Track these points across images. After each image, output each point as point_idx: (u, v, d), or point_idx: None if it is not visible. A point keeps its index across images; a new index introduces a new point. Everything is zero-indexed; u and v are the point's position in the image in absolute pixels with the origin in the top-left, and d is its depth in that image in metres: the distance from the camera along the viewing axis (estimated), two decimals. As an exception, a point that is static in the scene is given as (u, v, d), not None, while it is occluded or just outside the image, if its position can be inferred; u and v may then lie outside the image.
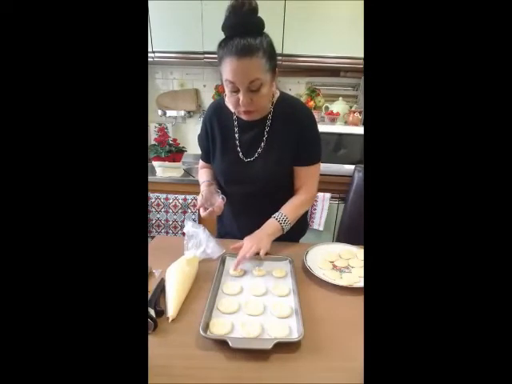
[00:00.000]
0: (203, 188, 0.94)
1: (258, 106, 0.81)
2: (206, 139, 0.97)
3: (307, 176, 0.94)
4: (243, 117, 0.84)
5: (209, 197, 0.88)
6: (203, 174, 1.02)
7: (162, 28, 1.75)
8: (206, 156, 1.00)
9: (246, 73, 0.73)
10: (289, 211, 0.91)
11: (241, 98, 0.76)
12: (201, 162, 1.08)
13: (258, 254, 0.80)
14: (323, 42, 1.73)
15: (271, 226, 0.88)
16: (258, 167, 0.90)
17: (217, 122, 0.93)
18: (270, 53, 0.75)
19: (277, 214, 0.90)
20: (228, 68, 0.73)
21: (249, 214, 0.98)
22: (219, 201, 0.87)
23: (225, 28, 0.74)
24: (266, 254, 0.86)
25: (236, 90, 0.76)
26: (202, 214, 0.85)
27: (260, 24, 0.74)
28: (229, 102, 0.85)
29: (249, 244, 0.81)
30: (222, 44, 0.73)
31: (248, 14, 0.72)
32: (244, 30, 0.71)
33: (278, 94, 0.90)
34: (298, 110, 0.90)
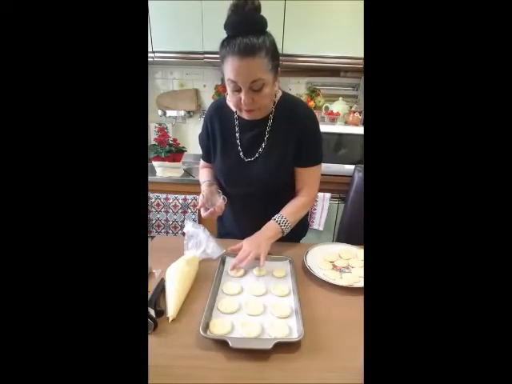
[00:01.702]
0: (204, 188, 0.93)
1: (260, 106, 0.80)
2: (206, 138, 0.97)
3: (308, 177, 0.94)
4: (245, 116, 0.84)
5: (210, 197, 0.88)
6: (204, 174, 1.02)
7: (162, 28, 1.75)
8: (207, 155, 1.00)
9: (248, 72, 0.72)
10: (289, 213, 0.90)
11: (242, 98, 0.76)
12: (201, 162, 1.07)
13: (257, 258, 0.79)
14: (323, 41, 1.73)
15: (271, 229, 0.87)
16: (258, 167, 0.90)
17: (218, 122, 0.92)
18: (273, 52, 0.74)
19: (277, 216, 0.89)
20: (230, 67, 0.72)
21: (249, 214, 0.98)
22: (220, 201, 0.87)
23: (227, 27, 0.73)
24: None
25: (238, 90, 0.75)
26: (203, 214, 0.85)
27: (263, 23, 0.73)
28: (230, 102, 0.85)
29: (248, 248, 0.80)
30: (225, 43, 0.72)
31: (251, 13, 0.71)
32: (247, 28, 0.71)
33: (279, 94, 0.89)
34: (299, 110, 0.89)
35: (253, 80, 0.73)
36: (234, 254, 0.85)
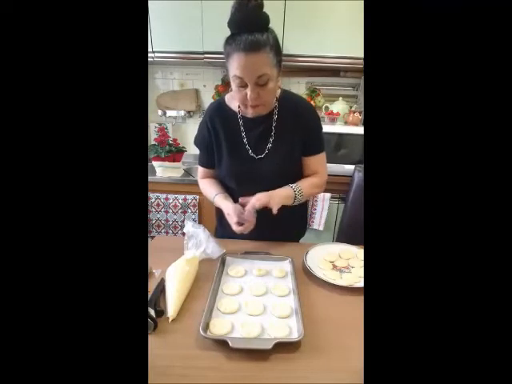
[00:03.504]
0: (223, 201, 0.91)
1: (265, 101, 0.82)
2: (209, 141, 0.94)
3: (317, 164, 0.97)
4: (250, 112, 0.84)
5: (241, 212, 0.86)
6: (210, 187, 0.98)
7: (162, 28, 1.75)
8: (208, 159, 0.98)
9: (254, 68, 0.74)
10: (303, 186, 0.93)
11: (248, 93, 0.77)
12: (201, 170, 1.03)
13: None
14: (323, 41, 1.73)
15: (285, 190, 0.89)
16: (269, 163, 0.91)
17: (220, 122, 0.92)
18: (276, 48, 0.76)
19: (292, 184, 0.91)
20: (236, 63, 0.74)
21: (260, 213, 0.95)
22: (254, 215, 0.85)
23: (231, 24, 0.74)
24: (266, 253, 0.86)
25: (244, 85, 0.77)
26: (238, 229, 0.84)
27: (266, 19, 0.75)
28: (235, 98, 0.86)
29: (259, 196, 0.83)
30: (230, 40, 0.74)
31: (254, 10, 0.72)
32: (251, 25, 0.72)
33: (279, 90, 0.91)
34: (301, 103, 0.93)
35: (259, 75, 0.74)
36: (234, 254, 0.85)
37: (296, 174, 0.96)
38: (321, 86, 2.06)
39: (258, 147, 0.91)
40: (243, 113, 0.90)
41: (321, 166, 0.98)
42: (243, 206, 0.86)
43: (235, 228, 0.85)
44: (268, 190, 0.92)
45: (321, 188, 1.01)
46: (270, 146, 0.91)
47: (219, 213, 1.00)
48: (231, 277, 0.77)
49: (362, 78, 1.98)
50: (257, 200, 0.83)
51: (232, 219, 0.85)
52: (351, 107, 1.96)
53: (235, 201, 0.91)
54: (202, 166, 1.02)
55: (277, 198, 0.85)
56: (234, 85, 0.79)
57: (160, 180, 1.81)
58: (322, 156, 0.97)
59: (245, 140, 0.91)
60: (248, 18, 0.72)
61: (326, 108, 1.94)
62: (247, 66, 0.73)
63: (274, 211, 0.82)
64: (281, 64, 0.80)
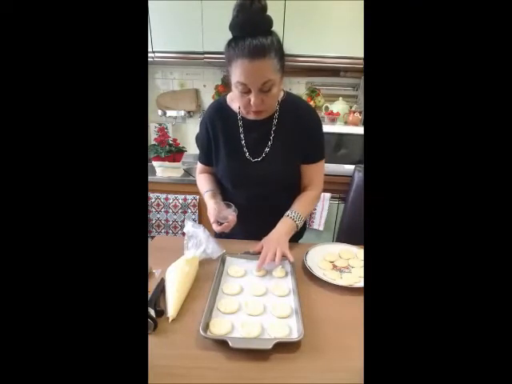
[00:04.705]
0: (209, 200, 0.91)
1: (268, 106, 0.81)
2: (207, 141, 0.94)
3: (315, 173, 0.95)
4: (251, 116, 0.83)
5: (220, 211, 0.86)
6: (204, 182, 0.99)
7: (162, 28, 1.75)
8: (207, 158, 0.98)
9: (258, 74, 0.72)
10: (300, 207, 0.91)
11: (252, 100, 0.75)
12: (199, 166, 1.04)
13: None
14: (323, 41, 1.73)
15: (286, 225, 0.87)
16: (266, 167, 0.90)
17: (220, 123, 0.91)
18: (281, 52, 0.74)
19: (289, 211, 0.90)
20: (240, 70, 0.71)
21: (256, 216, 0.96)
22: (232, 213, 0.86)
23: (233, 27, 0.71)
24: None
25: (247, 91, 0.75)
26: (217, 229, 0.84)
27: (269, 22, 0.72)
28: (237, 102, 0.85)
29: (271, 248, 0.79)
30: (232, 44, 0.71)
31: (257, 13, 0.70)
32: (254, 29, 0.70)
33: (282, 93, 0.90)
34: (303, 108, 0.91)
35: (263, 82, 0.72)
36: (234, 254, 0.85)
37: (294, 178, 0.95)
38: (321, 86, 2.07)
39: (256, 150, 0.90)
40: (243, 114, 0.89)
41: (318, 176, 0.97)
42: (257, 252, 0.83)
43: (214, 227, 0.85)
44: (263, 194, 0.92)
45: (317, 200, 1.00)
46: (267, 149, 0.89)
47: None
48: (231, 277, 0.77)
49: (362, 78, 1.98)
50: (277, 258, 0.77)
51: (210, 219, 0.86)
52: (351, 107, 1.96)
53: (231, 201, 0.90)
54: (201, 163, 1.04)
55: (283, 242, 0.82)
56: (236, 90, 0.77)
57: (160, 180, 1.81)
58: (321, 164, 0.95)
59: (243, 142, 0.90)
60: (251, 20, 0.69)
61: (326, 108, 1.94)
62: (252, 72, 0.71)
63: (291, 259, 0.79)
64: (284, 67, 0.78)
